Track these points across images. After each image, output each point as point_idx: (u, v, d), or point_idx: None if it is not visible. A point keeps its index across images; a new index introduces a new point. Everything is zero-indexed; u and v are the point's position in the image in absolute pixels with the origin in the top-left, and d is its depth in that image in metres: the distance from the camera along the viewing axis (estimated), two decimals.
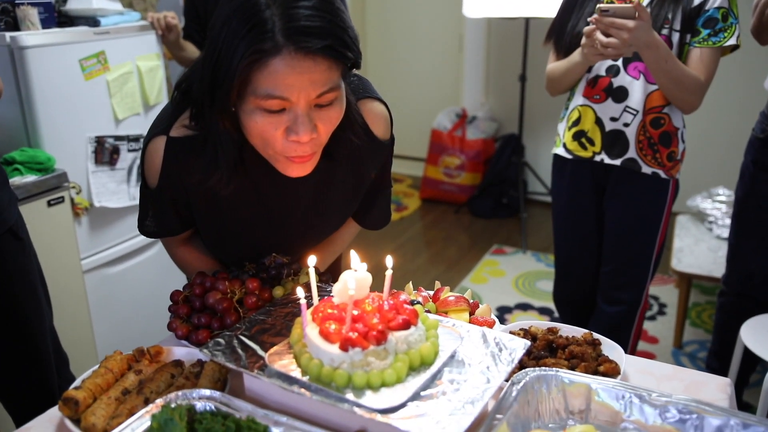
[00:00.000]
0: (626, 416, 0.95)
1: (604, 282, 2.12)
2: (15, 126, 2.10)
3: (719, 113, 4.00)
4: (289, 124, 1.02)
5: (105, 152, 2.29)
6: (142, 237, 2.46)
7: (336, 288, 0.97)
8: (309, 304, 1.00)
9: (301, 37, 0.95)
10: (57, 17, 2.27)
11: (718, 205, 3.12)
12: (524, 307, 3.31)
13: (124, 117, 2.37)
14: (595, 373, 1.08)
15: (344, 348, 0.89)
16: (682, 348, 2.90)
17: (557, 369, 1.00)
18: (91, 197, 2.28)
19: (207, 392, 0.96)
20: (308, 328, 0.95)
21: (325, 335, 0.92)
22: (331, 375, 0.89)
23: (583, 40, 1.80)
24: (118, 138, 2.33)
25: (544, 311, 3.25)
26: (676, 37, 1.83)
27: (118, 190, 2.35)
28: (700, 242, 2.93)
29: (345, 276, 0.96)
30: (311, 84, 0.98)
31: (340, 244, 1.47)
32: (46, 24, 2.17)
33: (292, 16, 0.95)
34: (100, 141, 2.28)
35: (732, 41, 1.80)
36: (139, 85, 2.42)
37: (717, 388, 1.09)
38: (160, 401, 0.93)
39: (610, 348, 1.16)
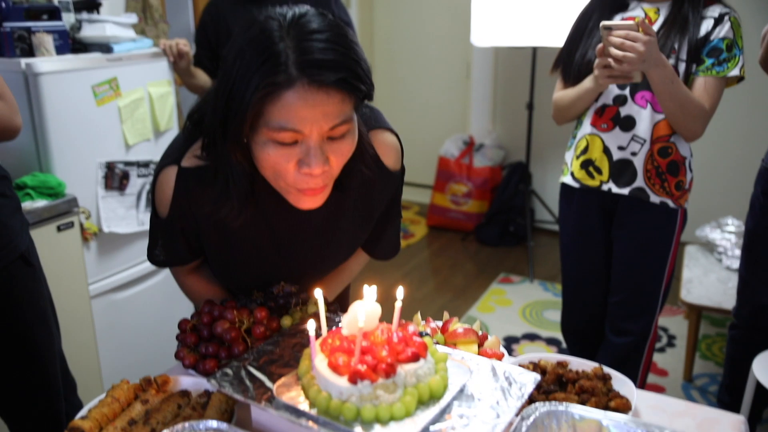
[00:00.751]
0: None
1: (612, 312, 2.10)
2: (27, 151, 2.12)
3: (728, 143, 4.00)
4: (301, 157, 1.01)
5: (115, 177, 2.31)
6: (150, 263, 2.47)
7: (345, 319, 0.97)
8: (317, 335, 1.00)
9: (315, 69, 0.95)
10: (71, 44, 2.30)
11: (727, 235, 3.10)
12: (531, 337, 3.28)
13: (135, 142, 2.38)
14: (606, 408, 1.07)
15: (353, 381, 0.88)
16: (693, 381, 2.86)
17: (567, 404, 0.98)
18: (100, 222, 2.29)
19: (214, 423, 0.95)
20: (317, 360, 0.94)
21: (334, 367, 0.91)
22: (340, 408, 0.88)
23: (596, 62, 1.81)
24: (128, 163, 2.35)
25: (551, 342, 3.22)
26: (682, 66, 1.84)
27: (127, 215, 2.36)
28: (709, 273, 2.91)
29: (354, 307, 0.95)
30: (324, 117, 0.98)
31: (349, 274, 1.47)
32: (60, 50, 2.20)
33: (305, 48, 0.96)
34: (110, 166, 2.29)
35: (735, 72, 1.82)
36: (150, 111, 2.45)
37: (730, 426, 1.07)
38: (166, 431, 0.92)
39: (621, 383, 1.14)
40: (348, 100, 1.00)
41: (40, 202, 2.00)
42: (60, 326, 1.83)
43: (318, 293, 1.02)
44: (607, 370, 1.17)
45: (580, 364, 1.20)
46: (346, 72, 0.97)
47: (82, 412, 1.03)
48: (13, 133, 1.62)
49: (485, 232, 4.53)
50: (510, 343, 3.21)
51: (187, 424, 0.94)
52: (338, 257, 1.38)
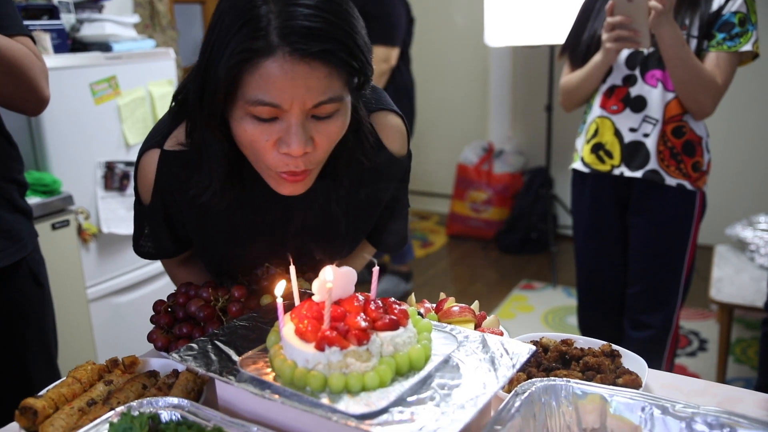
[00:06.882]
0: (647, 431, 0.82)
1: (630, 305, 1.99)
2: (23, 149, 2.06)
3: (761, 140, 3.84)
4: (281, 135, 0.93)
5: (115, 178, 2.26)
6: (153, 265, 2.40)
7: (315, 284, 0.88)
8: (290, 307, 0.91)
9: (298, 37, 0.87)
10: (71, 44, 2.27)
11: (759, 233, 2.95)
12: None
13: (136, 142, 2.34)
14: (613, 385, 0.96)
15: (320, 347, 0.80)
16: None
17: (568, 379, 0.88)
18: (99, 223, 2.23)
19: (175, 400, 0.86)
20: (285, 329, 0.86)
21: (301, 334, 0.83)
22: (305, 377, 0.79)
23: (605, 23, 1.75)
24: (128, 163, 2.30)
25: None
26: (693, 43, 1.76)
27: (127, 216, 2.30)
28: (741, 272, 2.76)
29: (325, 270, 0.87)
30: (307, 91, 0.89)
31: (354, 267, 1.38)
32: (58, 50, 2.17)
33: (290, 14, 0.87)
34: (110, 166, 2.25)
35: (748, 47, 1.73)
36: (152, 111, 2.41)
37: (755, 405, 0.95)
38: (120, 408, 0.84)
39: (631, 360, 1.03)
40: (336, 75, 0.91)
41: (34, 200, 1.95)
42: (57, 331, 1.74)
43: (291, 267, 0.94)
44: (616, 347, 1.06)
45: (586, 343, 1.09)
46: (334, 43, 0.88)
47: (40, 393, 0.95)
48: (38, 102, 1.42)
49: (506, 240, 4.41)
50: None
51: (145, 400, 0.86)
52: (339, 249, 1.29)
